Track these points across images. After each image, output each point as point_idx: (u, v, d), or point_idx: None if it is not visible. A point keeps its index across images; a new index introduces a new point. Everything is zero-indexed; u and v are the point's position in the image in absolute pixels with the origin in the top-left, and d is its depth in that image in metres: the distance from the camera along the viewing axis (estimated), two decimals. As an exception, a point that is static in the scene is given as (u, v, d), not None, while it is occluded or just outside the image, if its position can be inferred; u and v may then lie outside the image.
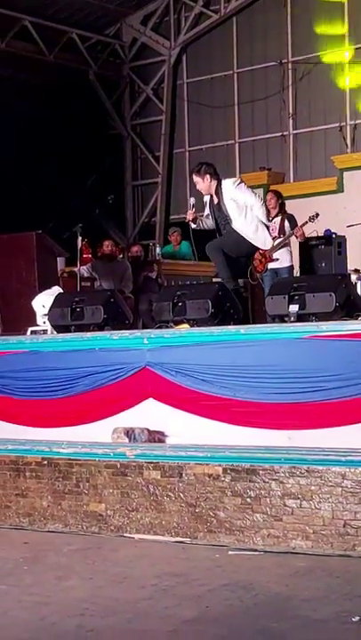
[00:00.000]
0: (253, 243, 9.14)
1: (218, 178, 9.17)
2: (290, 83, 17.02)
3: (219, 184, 9.13)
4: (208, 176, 9.12)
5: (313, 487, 6.47)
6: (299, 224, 11.66)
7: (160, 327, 8.52)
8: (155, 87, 18.64)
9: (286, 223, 11.61)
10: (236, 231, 9.04)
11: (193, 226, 9.37)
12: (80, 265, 11.50)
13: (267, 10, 17.35)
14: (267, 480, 6.64)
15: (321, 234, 12.74)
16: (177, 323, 8.46)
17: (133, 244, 14.64)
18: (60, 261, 11.60)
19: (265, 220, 9.18)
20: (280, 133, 17.27)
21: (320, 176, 16.53)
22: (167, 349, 8.01)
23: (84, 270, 11.77)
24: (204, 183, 9.15)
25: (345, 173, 16.05)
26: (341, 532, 6.34)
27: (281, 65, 17.09)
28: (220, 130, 18.07)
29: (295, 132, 17.16)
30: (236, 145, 17.90)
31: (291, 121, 17.12)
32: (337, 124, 16.60)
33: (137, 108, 19.01)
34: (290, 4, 17.06)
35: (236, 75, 17.84)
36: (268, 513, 6.63)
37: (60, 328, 9.02)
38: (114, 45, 18.71)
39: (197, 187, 9.27)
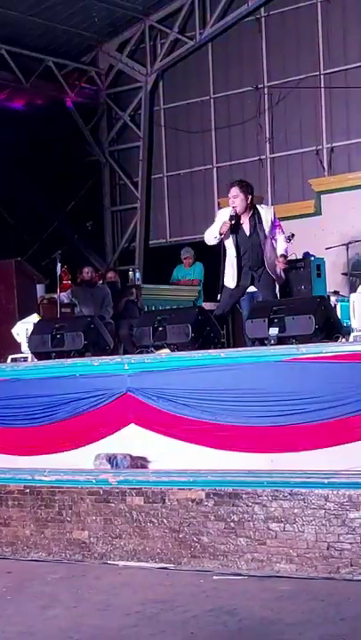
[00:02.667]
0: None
1: (252, 202, 9.37)
2: (266, 107, 17.12)
3: (252, 208, 9.33)
4: (250, 196, 9.33)
5: (296, 510, 6.46)
6: None
7: (141, 352, 8.52)
8: (132, 113, 18.71)
9: None
10: None
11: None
12: (60, 291, 11.50)
13: (242, 36, 17.48)
14: (250, 504, 6.63)
15: (300, 256, 12.82)
16: (158, 347, 8.46)
17: (108, 270, 14.67)
18: (40, 288, 11.61)
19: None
20: (257, 157, 17.35)
21: (298, 199, 16.61)
22: (148, 374, 8.01)
23: (63, 297, 11.78)
24: (244, 201, 9.27)
25: (322, 196, 16.16)
26: (325, 554, 6.34)
27: (257, 90, 17.19)
28: (197, 155, 18.14)
29: (272, 155, 17.24)
30: (214, 169, 17.97)
31: (268, 145, 17.21)
32: (314, 148, 16.70)
33: (114, 135, 19.07)
34: (264, 31, 17.21)
35: (212, 100, 17.92)
36: (252, 537, 6.61)
37: (40, 355, 9.00)
38: (90, 72, 18.80)
39: (234, 199, 9.30)
